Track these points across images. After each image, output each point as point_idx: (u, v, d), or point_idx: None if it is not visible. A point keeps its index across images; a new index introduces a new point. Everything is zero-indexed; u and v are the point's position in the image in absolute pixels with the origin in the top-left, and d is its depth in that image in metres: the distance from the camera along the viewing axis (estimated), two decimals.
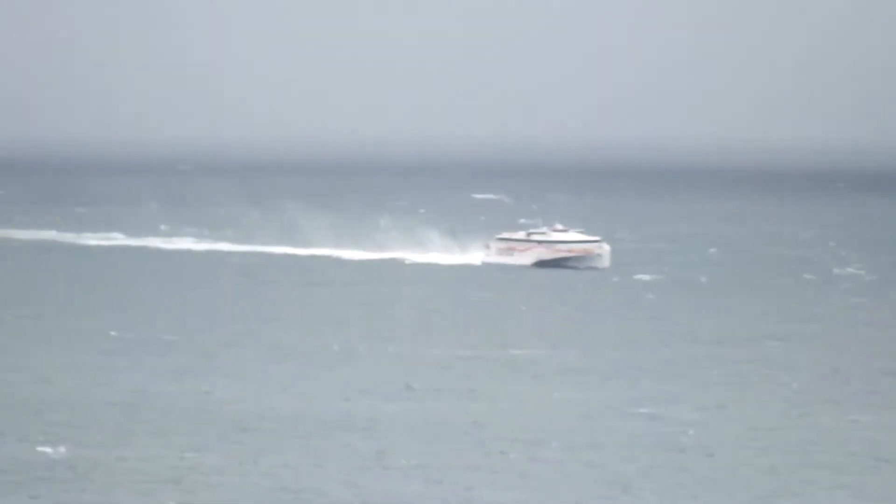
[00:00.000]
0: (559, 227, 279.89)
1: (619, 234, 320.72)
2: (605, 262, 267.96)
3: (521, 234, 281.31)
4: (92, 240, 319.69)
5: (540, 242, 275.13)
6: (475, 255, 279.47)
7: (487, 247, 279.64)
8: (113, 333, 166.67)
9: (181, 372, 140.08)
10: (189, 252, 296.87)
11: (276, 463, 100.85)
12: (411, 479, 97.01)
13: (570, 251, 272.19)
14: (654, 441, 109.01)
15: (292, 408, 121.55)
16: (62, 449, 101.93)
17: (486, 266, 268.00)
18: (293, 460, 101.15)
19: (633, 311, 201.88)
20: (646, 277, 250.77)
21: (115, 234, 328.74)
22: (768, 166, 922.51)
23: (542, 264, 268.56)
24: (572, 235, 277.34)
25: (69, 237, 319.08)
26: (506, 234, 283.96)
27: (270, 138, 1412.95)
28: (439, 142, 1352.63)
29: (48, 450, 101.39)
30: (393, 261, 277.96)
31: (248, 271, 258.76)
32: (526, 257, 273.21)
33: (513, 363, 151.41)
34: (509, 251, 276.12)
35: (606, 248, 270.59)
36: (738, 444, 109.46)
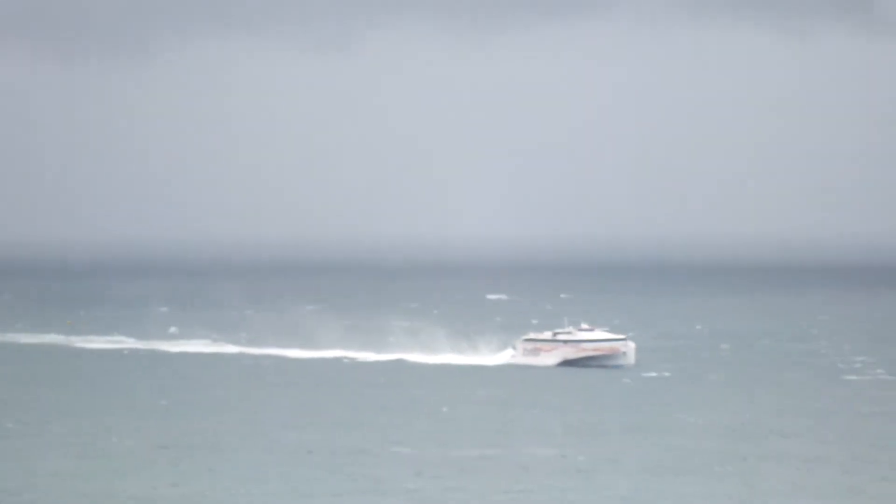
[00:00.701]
0: (585, 326, 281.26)
1: (635, 331, 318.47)
2: (631, 359, 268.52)
3: (547, 335, 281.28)
4: (98, 343, 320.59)
5: (566, 342, 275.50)
6: (493, 356, 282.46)
7: (514, 347, 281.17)
8: (114, 440, 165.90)
9: (187, 475, 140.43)
10: (199, 354, 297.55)
11: None
12: None
13: (595, 350, 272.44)
14: None
15: None
16: None
17: (511, 367, 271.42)
18: None
19: (649, 408, 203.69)
20: (666, 374, 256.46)
21: (121, 338, 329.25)
22: (785, 260, 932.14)
23: (567, 363, 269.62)
24: (598, 334, 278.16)
25: (77, 341, 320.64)
26: (532, 335, 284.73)
27: (281, 238, 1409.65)
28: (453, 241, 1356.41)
29: None
30: (403, 362, 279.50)
31: (258, 373, 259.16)
32: (552, 357, 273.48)
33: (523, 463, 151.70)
34: (536, 351, 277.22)
35: (632, 345, 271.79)
36: None
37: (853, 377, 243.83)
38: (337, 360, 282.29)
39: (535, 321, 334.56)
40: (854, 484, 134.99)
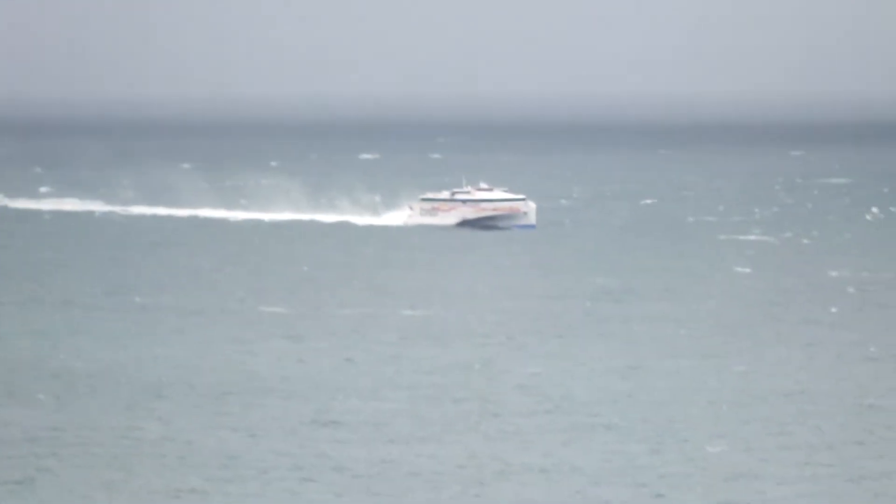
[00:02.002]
0: (484, 185, 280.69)
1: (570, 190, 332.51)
2: (532, 219, 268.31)
3: (445, 194, 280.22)
4: None
5: (465, 202, 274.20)
6: (388, 216, 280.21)
7: (410, 208, 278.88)
8: None
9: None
10: (70, 213, 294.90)
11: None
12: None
13: (495, 210, 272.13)
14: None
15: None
16: None
17: (408, 227, 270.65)
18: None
19: (535, 269, 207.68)
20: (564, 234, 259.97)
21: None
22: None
23: (466, 223, 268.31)
24: (497, 194, 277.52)
25: None
26: (430, 195, 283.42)
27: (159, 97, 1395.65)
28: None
29: None
30: (281, 222, 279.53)
31: (128, 233, 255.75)
32: (450, 217, 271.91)
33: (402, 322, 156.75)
34: (433, 211, 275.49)
35: (532, 205, 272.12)
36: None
37: (726, 237, 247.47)
38: (207, 219, 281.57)
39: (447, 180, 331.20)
40: (729, 342, 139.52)
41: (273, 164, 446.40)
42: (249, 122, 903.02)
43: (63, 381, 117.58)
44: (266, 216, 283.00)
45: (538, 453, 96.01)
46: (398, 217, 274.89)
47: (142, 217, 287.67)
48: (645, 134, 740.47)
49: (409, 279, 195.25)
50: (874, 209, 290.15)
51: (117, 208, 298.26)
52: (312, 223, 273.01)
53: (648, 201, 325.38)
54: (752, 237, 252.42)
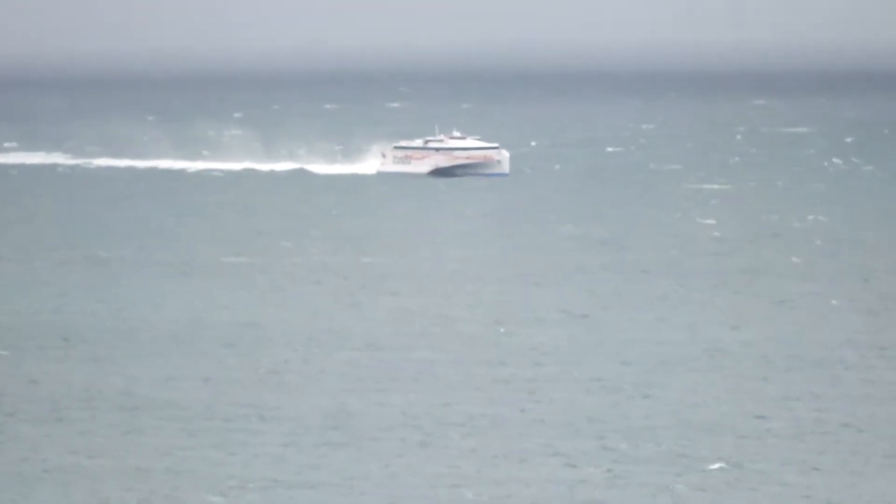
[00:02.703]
0: (457, 134, 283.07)
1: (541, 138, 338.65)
2: (505, 168, 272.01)
3: (418, 142, 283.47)
4: None
5: (437, 150, 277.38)
6: (359, 164, 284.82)
7: (383, 155, 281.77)
8: None
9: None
10: (34, 167, 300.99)
11: None
12: None
13: (468, 158, 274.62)
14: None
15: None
16: None
17: (381, 175, 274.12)
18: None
19: (501, 217, 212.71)
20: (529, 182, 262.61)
21: None
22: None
23: (439, 172, 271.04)
24: (470, 142, 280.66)
25: None
26: (402, 143, 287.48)
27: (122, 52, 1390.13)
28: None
29: None
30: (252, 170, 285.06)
31: (91, 186, 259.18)
32: (423, 165, 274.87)
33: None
34: (406, 159, 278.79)
35: (505, 154, 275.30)
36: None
37: (690, 185, 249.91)
38: (169, 171, 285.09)
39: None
40: (692, 291, 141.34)
41: (237, 115, 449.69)
42: (218, 76, 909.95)
43: (24, 335, 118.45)
44: (227, 166, 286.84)
45: (492, 403, 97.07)
46: (370, 165, 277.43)
47: (106, 169, 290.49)
48: (615, 83, 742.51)
49: (376, 227, 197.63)
50: (836, 160, 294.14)
51: (81, 161, 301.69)
52: (273, 173, 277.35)
53: (611, 149, 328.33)
54: (715, 186, 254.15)
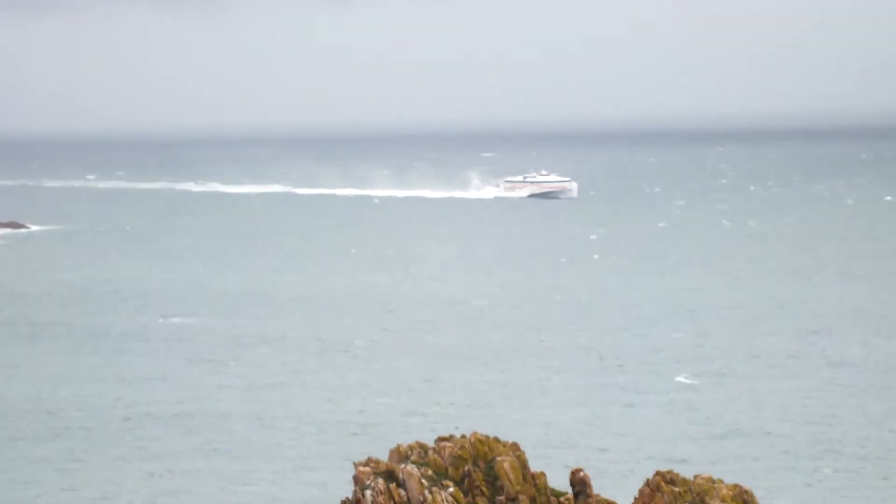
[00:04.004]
0: (544, 172, 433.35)
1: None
2: (574, 194, 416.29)
3: (519, 178, 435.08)
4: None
5: (532, 182, 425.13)
6: (482, 191, 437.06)
7: (497, 186, 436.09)
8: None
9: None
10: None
11: None
12: None
13: (551, 188, 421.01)
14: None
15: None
16: None
17: (497, 199, 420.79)
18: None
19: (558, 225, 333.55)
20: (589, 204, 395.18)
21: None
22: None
23: (533, 196, 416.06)
24: (552, 177, 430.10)
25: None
26: (509, 178, 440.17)
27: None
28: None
29: None
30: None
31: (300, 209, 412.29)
32: (523, 192, 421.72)
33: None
34: (512, 188, 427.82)
35: (575, 185, 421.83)
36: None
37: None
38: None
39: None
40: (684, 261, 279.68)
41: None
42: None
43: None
44: (465, 194, 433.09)
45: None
46: (490, 192, 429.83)
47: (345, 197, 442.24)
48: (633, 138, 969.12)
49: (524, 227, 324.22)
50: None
51: (324, 191, 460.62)
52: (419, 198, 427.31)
53: (655, 189, 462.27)
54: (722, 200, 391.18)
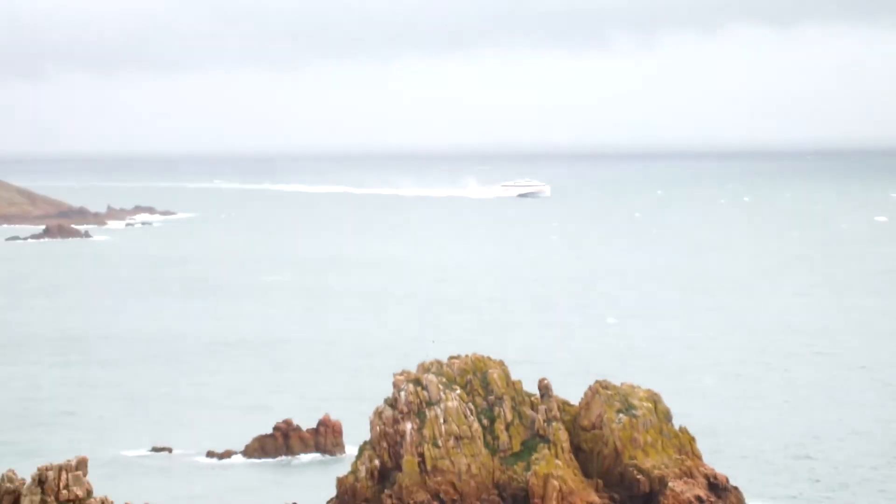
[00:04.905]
0: (528, 179, 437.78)
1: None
2: (548, 194, 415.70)
3: (510, 182, 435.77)
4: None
5: (519, 185, 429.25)
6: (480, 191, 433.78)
7: (502, 187, 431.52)
8: None
9: None
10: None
11: None
12: None
13: (532, 189, 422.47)
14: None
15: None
16: None
17: (497, 197, 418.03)
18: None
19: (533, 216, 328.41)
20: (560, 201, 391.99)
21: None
22: None
23: (521, 196, 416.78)
24: (533, 182, 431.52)
25: None
26: (505, 182, 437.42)
27: None
28: None
29: None
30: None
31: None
32: (514, 192, 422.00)
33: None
34: (506, 189, 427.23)
35: (548, 187, 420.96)
36: None
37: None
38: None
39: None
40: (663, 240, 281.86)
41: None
42: None
43: None
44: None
45: None
46: (493, 191, 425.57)
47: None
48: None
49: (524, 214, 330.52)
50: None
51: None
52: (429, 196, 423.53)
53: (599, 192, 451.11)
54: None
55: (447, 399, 68.68)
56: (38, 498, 54.52)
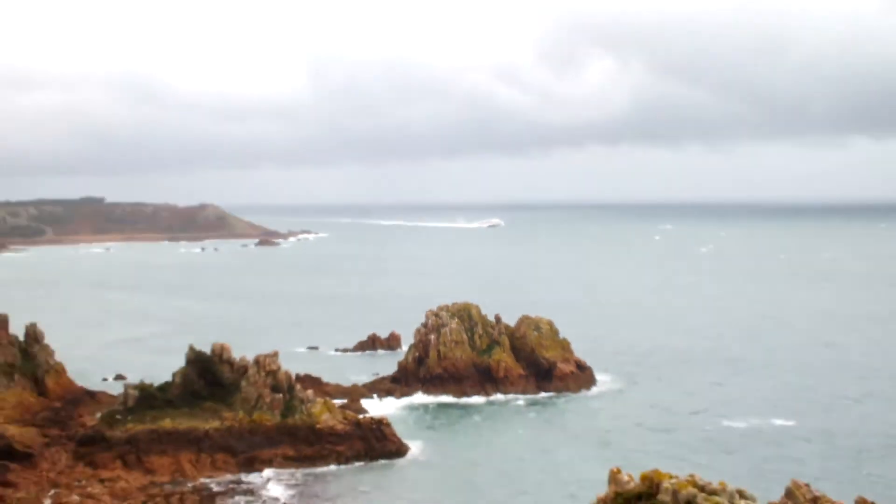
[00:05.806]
0: (493, 219, 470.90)
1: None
2: (503, 225, 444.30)
3: (486, 221, 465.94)
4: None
5: (487, 221, 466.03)
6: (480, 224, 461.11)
7: (490, 222, 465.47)
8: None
9: None
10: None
11: None
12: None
13: (492, 224, 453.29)
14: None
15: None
16: None
17: (482, 227, 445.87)
18: None
19: (496, 239, 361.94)
20: (510, 232, 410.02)
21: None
22: None
23: (490, 226, 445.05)
24: (494, 219, 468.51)
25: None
26: (482, 221, 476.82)
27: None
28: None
29: None
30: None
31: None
32: (485, 224, 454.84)
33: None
34: (484, 221, 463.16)
35: (502, 222, 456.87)
36: None
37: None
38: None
39: (494, 219, 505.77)
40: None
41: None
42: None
43: None
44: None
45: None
46: (473, 224, 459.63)
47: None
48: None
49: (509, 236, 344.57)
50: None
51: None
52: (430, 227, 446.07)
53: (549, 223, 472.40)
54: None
55: (450, 323, 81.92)
56: (254, 369, 66.25)
